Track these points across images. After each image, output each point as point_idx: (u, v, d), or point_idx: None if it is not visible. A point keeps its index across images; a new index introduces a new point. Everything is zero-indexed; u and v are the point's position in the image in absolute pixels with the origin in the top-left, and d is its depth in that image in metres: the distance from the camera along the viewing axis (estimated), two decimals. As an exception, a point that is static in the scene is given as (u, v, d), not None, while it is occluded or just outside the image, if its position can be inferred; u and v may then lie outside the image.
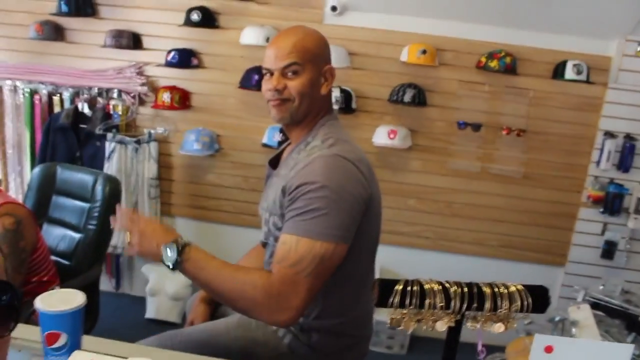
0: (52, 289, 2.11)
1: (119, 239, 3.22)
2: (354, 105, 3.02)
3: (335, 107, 2.86)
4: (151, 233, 1.39)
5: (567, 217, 3.15)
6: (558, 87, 2.98)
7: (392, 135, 2.98)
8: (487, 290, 1.05)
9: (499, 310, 1.04)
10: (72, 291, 1.17)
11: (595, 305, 2.51)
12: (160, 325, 3.24)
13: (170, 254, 1.35)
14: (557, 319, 2.52)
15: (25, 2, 3.24)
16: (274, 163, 1.67)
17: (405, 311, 1.03)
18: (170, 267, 1.36)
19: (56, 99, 3.29)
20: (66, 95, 3.26)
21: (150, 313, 3.28)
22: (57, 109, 3.29)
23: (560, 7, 2.70)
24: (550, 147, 3.07)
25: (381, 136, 3.01)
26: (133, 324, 3.26)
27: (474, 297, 1.05)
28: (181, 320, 3.26)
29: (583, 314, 2.31)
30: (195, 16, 3.01)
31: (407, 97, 2.93)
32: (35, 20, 3.17)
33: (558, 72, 2.93)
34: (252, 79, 3.00)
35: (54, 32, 3.18)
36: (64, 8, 3.08)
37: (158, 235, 1.39)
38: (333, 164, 1.39)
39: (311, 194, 1.35)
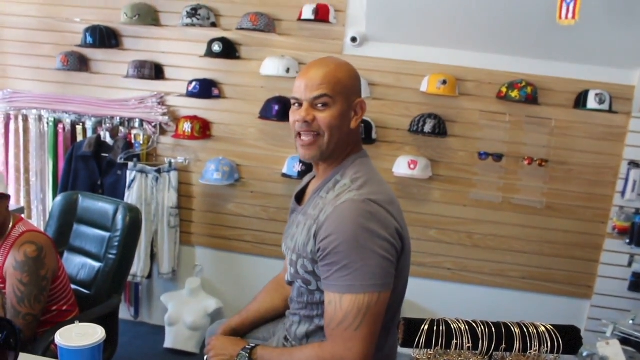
0: (72, 319, 2.12)
1: (138, 268, 3.22)
2: (374, 136, 3.02)
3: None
4: (221, 347, 1.63)
5: (592, 249, 3.09)
6: (580, 117, 2.95)
7: (412, 166, 2.96)
8: (516, 330, 1.01)
9: (529, 352, 1.00)
10: (91, 326, 1.17)
11: (624, 341, 2.43)
12: (179, 356, 3.22)
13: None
14: (585, 354, 2.45)
15: (52, 35, 3.32)
16: (299, 198, 1.63)
17: (431, 352, 1.00)
18: None
19: (79, 128, 3.34)
20: (89, 124, 3.31)
21: (168, 343, 3.25)
22: (80, 138, 3.34)
23: (581, 36, 2.68)
24: (573, 178, 3.03)
25: (402, 166, 2.99)
26: (151, 353, 3.24)
27: (503, 337, 1.01)
28: (199, 351, 3.23)
29: (613, 349, 2.24)
30: (216, 47, 3.05)
31: (428, 128, 2.92)
32: (61, 52, 3.25)
33: (580, 101, 2.90)
34: (272, 109, 3.01)
35: (79, 63, 3.25)
36: (89, 39, 3.15)
37: (227, 347, 1.61)
38: (363, 209, 1.33)
39: (343, 246, 1.31)
